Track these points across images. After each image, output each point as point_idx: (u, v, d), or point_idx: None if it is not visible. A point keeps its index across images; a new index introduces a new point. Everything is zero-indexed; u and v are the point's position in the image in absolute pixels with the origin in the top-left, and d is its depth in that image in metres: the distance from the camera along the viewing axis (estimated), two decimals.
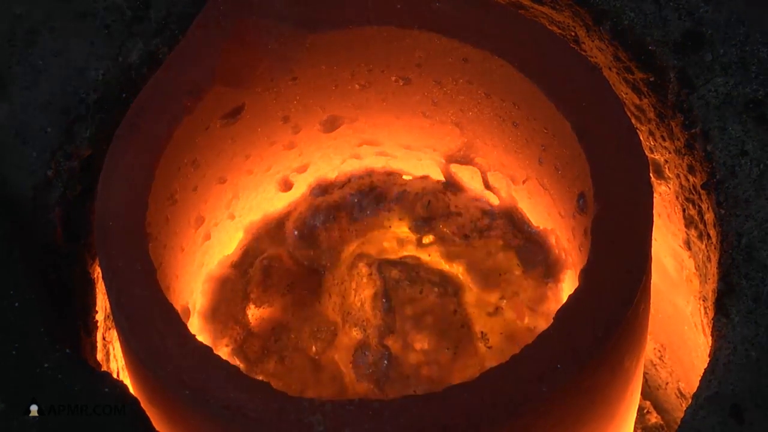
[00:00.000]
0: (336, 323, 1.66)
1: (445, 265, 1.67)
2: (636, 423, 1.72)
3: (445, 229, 1.70)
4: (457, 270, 1.66)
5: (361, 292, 1.64)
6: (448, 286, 1.64)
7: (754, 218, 1.39)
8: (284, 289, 1.70)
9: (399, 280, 1.62)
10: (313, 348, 1.66)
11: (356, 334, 1.63)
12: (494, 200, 1.70)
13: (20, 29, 1.55)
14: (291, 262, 1.72)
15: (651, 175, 1.38)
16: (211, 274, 1.67)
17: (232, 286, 1.69)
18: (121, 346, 1.35)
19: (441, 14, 1.46)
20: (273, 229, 1.73)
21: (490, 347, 1.58)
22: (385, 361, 1.60)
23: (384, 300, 1.61)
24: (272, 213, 1.73)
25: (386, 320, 1.61)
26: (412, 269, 1.64)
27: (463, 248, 1.69)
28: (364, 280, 1.64)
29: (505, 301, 1.62)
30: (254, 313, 1.68)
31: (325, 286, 1.69)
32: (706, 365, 1.35)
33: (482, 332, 1.60)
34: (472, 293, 1.64)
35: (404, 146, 1.69)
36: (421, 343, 1.59)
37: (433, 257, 1.69)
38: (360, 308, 1.64)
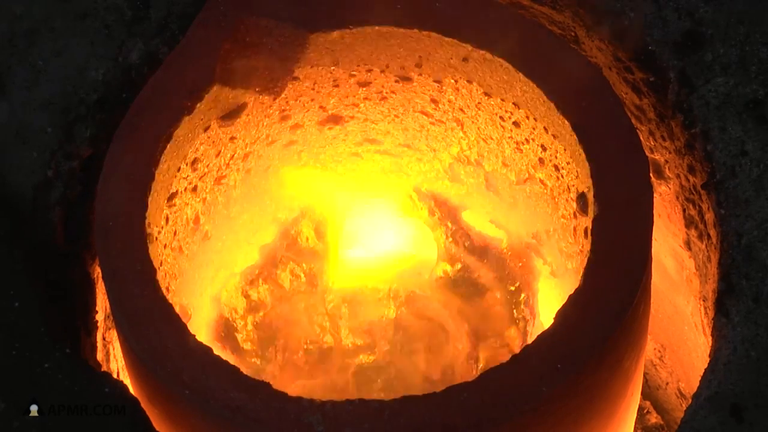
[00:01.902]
0: (335, 338, 1.68)
1: (450, 323, 1.70)
2: (636, 423, 1.72)
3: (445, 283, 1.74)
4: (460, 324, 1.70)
5: (370, 313, 1.66)
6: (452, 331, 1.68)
7: (754, 218, 1.39)
8: (276, 301, 1.71)
9: (416, 308, 1.65)
10: (306, 360, 1.67)
11: (362, 350, 1.65)
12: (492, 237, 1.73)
13: (20, 29, 1.55)
14: (284, 276, 1.74)
15: (651, 175, 1.38)
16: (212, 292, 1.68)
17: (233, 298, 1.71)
18: (121, 346, 1.35)
19: (441, 14, 1.46)
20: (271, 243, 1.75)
21: None
22: (392, 377, 1.62)
23: (397, 324, 1.64)
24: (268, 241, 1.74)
25: (397, 339, 1.63)
26: (426, 302, 1.67)
27: (465, 307, 1.72)
28: (378, 298, 1.66)
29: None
30: (248, 322, 1.70)
31: (320, 302, 1.71)
32: (706, 365, 1.35)
33: None
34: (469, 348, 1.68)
35: (404, 146, 1.69)
36: (431, 371, 1.61)
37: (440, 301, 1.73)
38: (368, 328, 1.65)
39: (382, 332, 1.69)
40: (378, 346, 1.68)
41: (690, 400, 1.33)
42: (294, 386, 1.65)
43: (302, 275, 1.77)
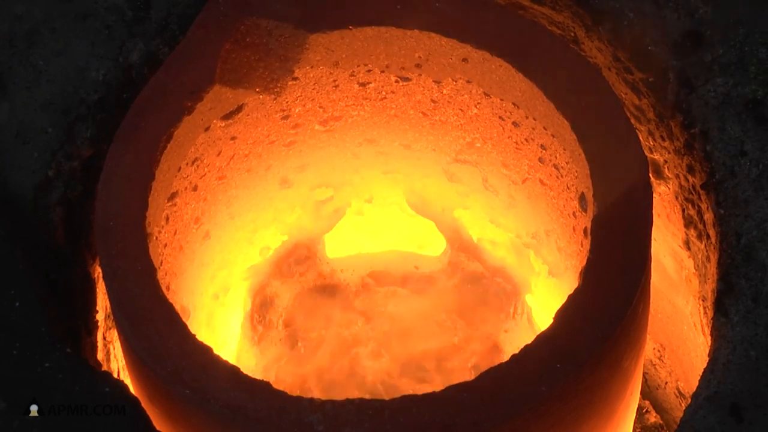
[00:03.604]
0: (333, 331, 1.69)
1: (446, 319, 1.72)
2: (635, 422, 1.72)
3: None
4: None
5: (369, 307, 1.67)
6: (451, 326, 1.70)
7: (753, 218, 1.39)
8: (275, 296, 1.72)
9: (413, 304, 1.66)
10: (304, 349, 1.68)
11: (359, 342, 1.65)
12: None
13: (21, 30, 1.56)
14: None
15: (650, 175, 1.38)
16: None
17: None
18: (122, 346, 1.35)
19: (441, 14, 1.46)
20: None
21: None
22: (388, 368, 1.63)
23: (394, 317, 1.65)
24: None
25: (394, 332, 1.64)
26: (423, 298, 1.69)
27: (462, 304, 1.74)
28: (376, 293, 1.67)
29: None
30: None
31: (319, 297, 1.73)
32: (705, 365, 1.35)
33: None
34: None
35: (404, 146, 1.69)
36: (427, 364, 1.62)
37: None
38: (365, 321, 1.66)
39: (379, 325, 1.70)
40: (374, 339, 1.69)
41: (689, 400, 1.33)
42: (290, 375, 1.66)
43: (302, 272, 1.78)
